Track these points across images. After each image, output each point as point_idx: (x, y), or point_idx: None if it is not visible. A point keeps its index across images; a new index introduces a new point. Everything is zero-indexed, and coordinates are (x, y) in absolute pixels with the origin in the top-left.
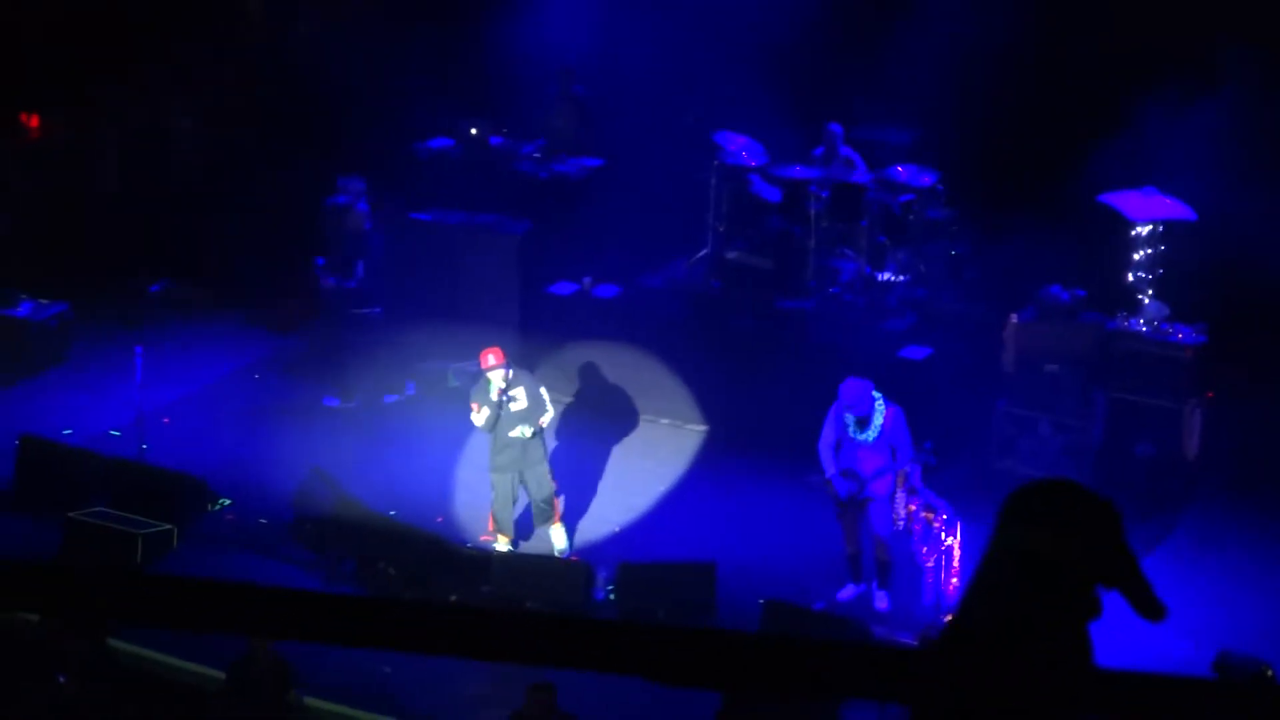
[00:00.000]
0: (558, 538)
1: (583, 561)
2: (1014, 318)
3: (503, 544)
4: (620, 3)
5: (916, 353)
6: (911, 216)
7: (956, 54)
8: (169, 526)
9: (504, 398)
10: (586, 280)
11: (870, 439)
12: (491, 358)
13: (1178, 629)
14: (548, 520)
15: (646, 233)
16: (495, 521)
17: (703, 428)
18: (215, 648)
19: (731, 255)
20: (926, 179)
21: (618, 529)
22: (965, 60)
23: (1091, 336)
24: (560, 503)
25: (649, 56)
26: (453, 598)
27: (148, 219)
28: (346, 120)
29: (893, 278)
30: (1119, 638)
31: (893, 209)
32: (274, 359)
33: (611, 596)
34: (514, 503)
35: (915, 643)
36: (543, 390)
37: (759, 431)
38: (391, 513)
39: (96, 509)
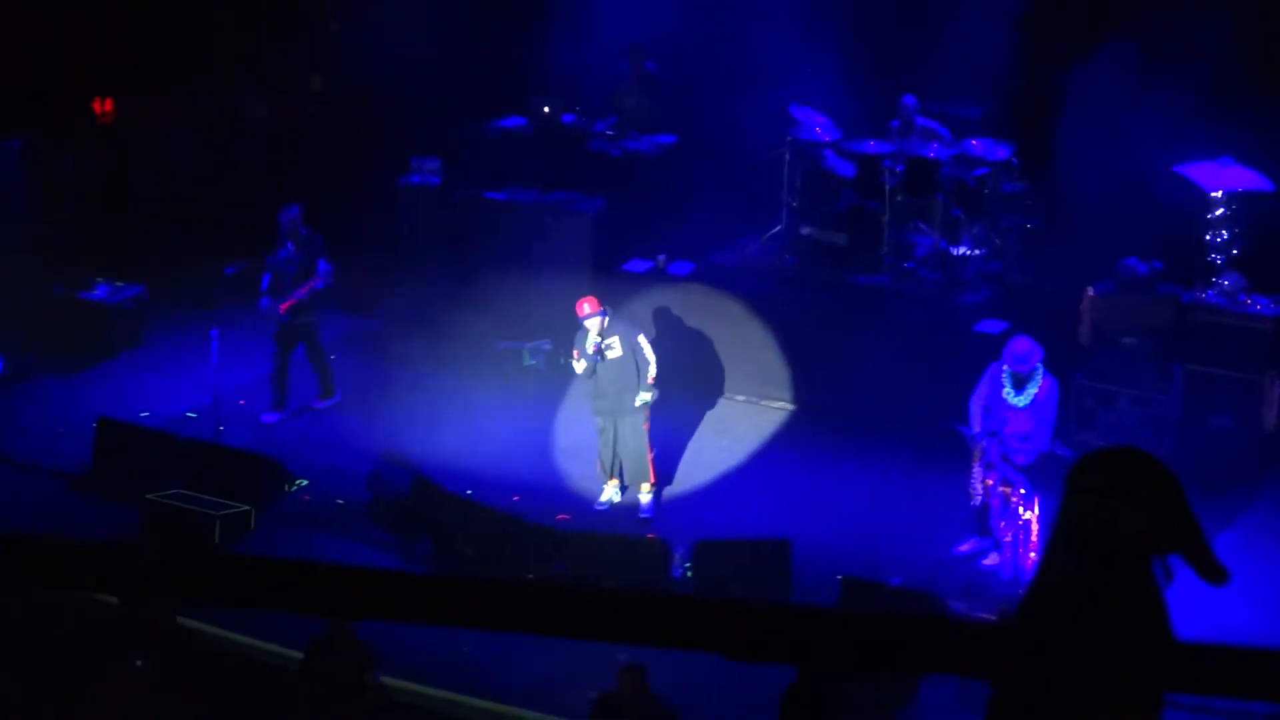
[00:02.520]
0: (643, 496)
1: (659, 539)
2: (1090, 290)
3: (611, 489)
4: None
5: (992, 327)
6: (986, 190)
7: (1029, 25)
8: (246, 508)
9: (599, 346)
10: (661, 258)
11: (1022, 404)
12: (586, 306)
13: (1257, 603)
14: (637, 479)
15: (720, 209)
16: (601, 463)
17: (780, 404)
18: (294, 628)
19: (805, 231)
20: (1001, 152)
21: (695, 507)
22: (1038, 31)
23: (1169, 309)
24: (653, 460)
25: (721, 32)
26: (529, 577)
27: (223, 201)
28: (419, 100)
29: (968, 252)
30: (1197, 612)
31: (967, 183)
32: (349, 339)
33: (689, 574)
34: (613, 451)
35: (994, 618)
36: (641, 339)
37: (835, 408)
38: (468, 492)
39: (174, 491)
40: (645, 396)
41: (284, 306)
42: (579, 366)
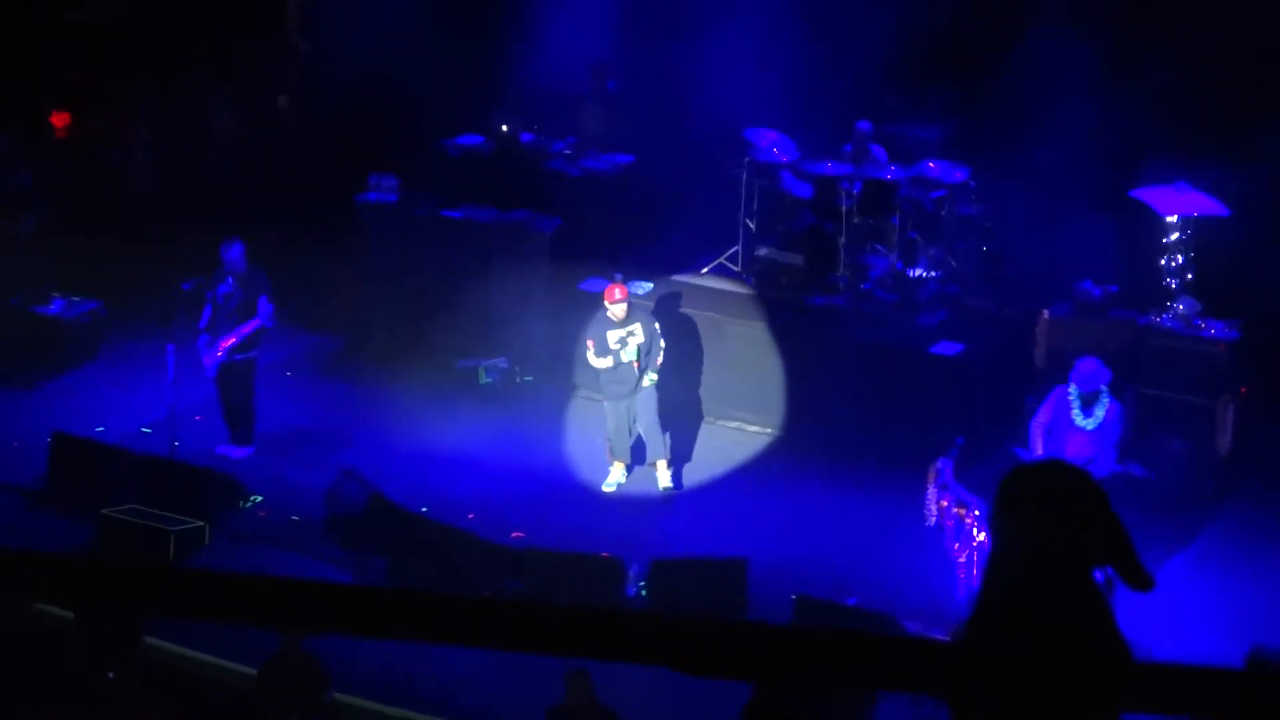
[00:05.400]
0: (663, 476)
1: (614, 557)
2: (1046, 314)
3: (619, 470)
4: None
5: (948, 349)
6: (943, 212)
7: (988, 48)
8: (201, 523)
9: (624, 335)
10: (618, 277)
11: (1090, 427)
12: (617, 292)
13: (1209, 625)
14: (656, 455)
15: (677, 230)
16: (610, 449)
17: (737, 424)
18: (248, 645)
19: (762, 252)
20: (958, 175)
21: (653, 526)
22: (996, 54)
23: (1124, 332)
24: (668, 440)
25: (679, 53)
26: (484, 594)
27: (180, 216)
28: (378, 117)
29: (924, 274)
30: (1155, 633)
31: (924, 205)
32: (307, 356)
33: (644, 593)
34: (629, 432)
35: (948, 639)
36: (656, 325)
37: (792, 428)
38: (423, 509)
39: (128, 506)
40: (653, 376)
41: (224, 344)
42: (599, 361)
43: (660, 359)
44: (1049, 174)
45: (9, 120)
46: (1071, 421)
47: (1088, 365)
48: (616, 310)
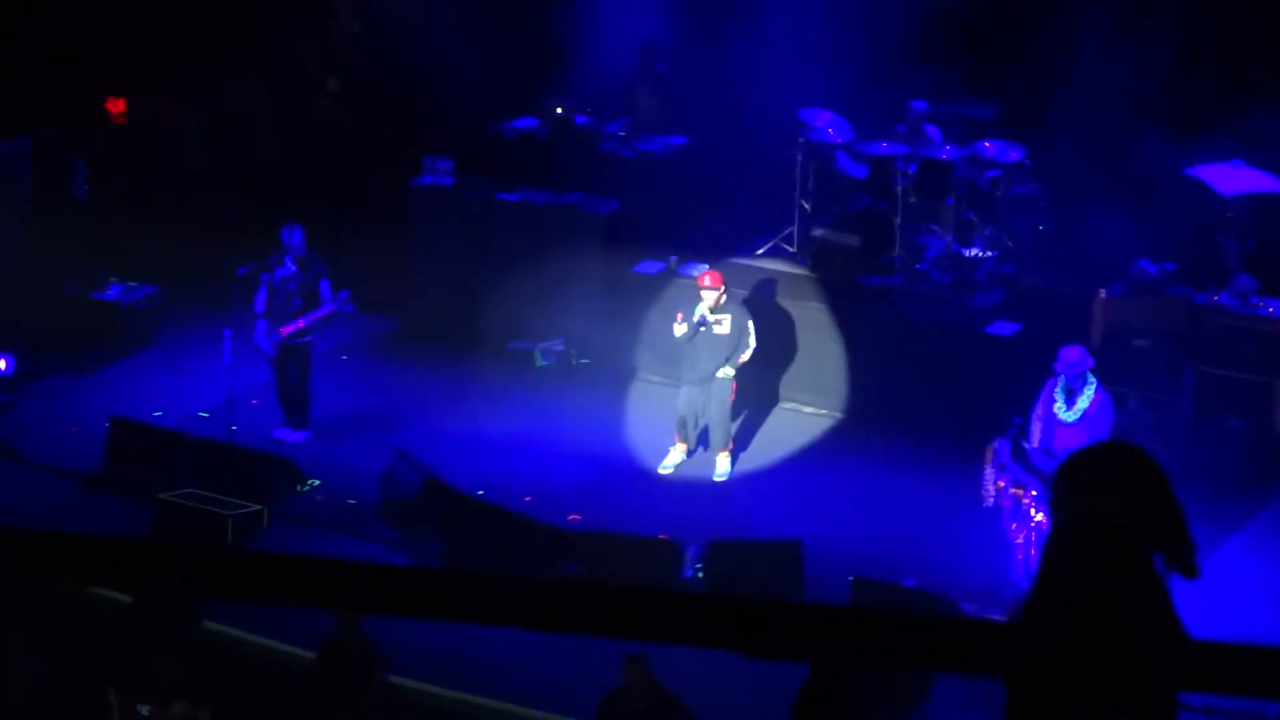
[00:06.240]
0: (721, 464)
1: (671, 540)
2: (1102, 292)
3: (679, 452)
4: None
5: (1004, 329)
6: (999, 192)
7: (1041, 25)
8: (258, 507)
9: (705, 320)
10: (673, 259)
11: (1071, 419)
12: (708, 279)
13: (1268, 604)
14: (718, 446)
15: (732, 211)
16: (679, 431)
17: (792, 406)
18: (305, 628)
19: (818, 233)
20: (1014, 154)
21: (709, 507)
22: (1050, 31)
23: (1180, 311)
24: (734, 428)
25: (733, 33)
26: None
27: (233, 201)
28: (432, 100)
29: (980, 254)
30: (1213, 612)
31: (980, 185)
32: (362, 339)
33: (700, 575)
34: (696, 419)
35: (1005, 619)
36: (750, 324)
37: (848, 409)
38: (479, 492)
39: (186, 490)
40: (728, 370)
41: (286, 331)
42: (678, 330)
43: (745, 357)
44: (1104, 152)
45: (61, 109)
46: (1055, 414)
47: (1070, 354)
48: (706, 296)
